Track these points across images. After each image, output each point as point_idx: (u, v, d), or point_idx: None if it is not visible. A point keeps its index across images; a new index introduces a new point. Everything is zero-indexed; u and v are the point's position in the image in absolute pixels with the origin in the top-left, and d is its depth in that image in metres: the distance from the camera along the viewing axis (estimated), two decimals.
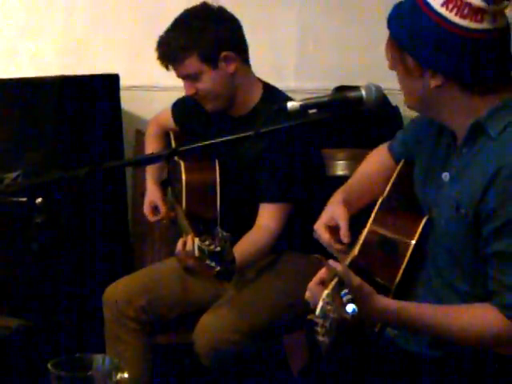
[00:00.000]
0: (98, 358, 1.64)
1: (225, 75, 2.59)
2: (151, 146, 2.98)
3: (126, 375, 1.63)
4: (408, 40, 1.78)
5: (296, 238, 2.64)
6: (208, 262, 2.18)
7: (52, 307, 3.15)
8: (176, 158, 2.72)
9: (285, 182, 2.58)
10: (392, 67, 1.86)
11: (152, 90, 3.60)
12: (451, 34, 1.74)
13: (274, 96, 2.67)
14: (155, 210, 2.86)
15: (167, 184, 2.87)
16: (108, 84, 3.40)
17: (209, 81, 2.58)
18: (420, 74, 1.80)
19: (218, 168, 2.66)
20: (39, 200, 1.73)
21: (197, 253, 2.24)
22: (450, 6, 1.74)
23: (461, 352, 1.86)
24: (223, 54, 2.57)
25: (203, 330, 2.46)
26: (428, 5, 1.76)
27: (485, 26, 1.73)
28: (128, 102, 3.50)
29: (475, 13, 1.73)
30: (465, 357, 1.86)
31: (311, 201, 2.62)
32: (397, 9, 1.83)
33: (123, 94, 3.44)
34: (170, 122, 2.95)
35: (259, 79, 2.71)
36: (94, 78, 3.41)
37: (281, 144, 2.54)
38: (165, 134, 2.99)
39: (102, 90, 3.40)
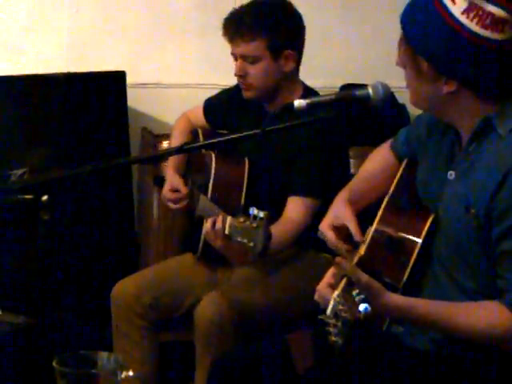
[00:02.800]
0: (104, 356, 1.65)
1: (278, 71, 2.61)
2: (177, 141, 2.96)
3: (130, 373, 1.63)
4: (425, 45, 1.75)
5: (313, 236, 2.64)
6: (240, 239, 2.15)
7: (58, 304, 3.15)
8: (204, 150, 2.72)
9: (316, 177, 2.59)
10: (401, 65, 1.84)
11: (158, 88, 3.60)
12: (471, 44, 1.71)
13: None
14: (175, 190, 2.83)
15: (189, 176, 2.85)
16: (114, 81, 3.40)
17: (263, 69, 2.60)
18: (433, 78, 1.78)
19: (247, 166, 2.66)
20: (45, 197, 1.73)
21: (227, 230, 2.23)
22: (471, 15, 1.70)
23: (466, 350, 1.86)
24: (288, 51, 2.60)
25: (206, 304, 2.47)
26: (447, 10, 1.72)
27: (505, 36, 1.71)
28: (134, 99, 3.50)
29: (497, 23, 1.70)
30: (470, 355, 1.86)
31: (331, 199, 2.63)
32: (411, 8, 1.80)
33: (129, 92, 3.44)
34: (200, 119, 2.94)
35: (302, 82, 2.73)
36: (100, 75, 3.40)
37: (316, 140, 2.55)
38: (192, 131, 2.97)
39: (108, 87, 3.40)
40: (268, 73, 2.60)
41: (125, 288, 2.69)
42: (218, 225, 2.31)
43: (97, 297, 2.76)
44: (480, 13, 1.70)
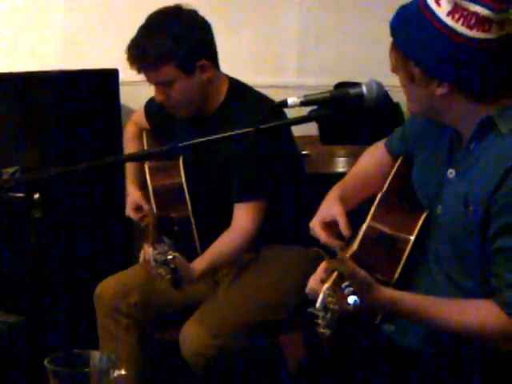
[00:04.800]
0: (95, 355, 1.64)
1: (198, 83, 2.55)
2: (129, 147, 2.98)
3: (122, 372, 1.62)
4: (413, 50, 1.77)
5: (275, 231, 2.64)
6: (160, 271, 2.24)
7: (50, 303, 3.14)
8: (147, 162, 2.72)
9: (256, 179, 2.55)
10: (395, 71, 1.85)
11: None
12: (458, 45, 1.72)
13: (239, 92, 2.64)
14: (139, 209, 2.85)
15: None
16: (107, 79, 3.40)
17: (182, 88, 2.53)
18: (425, 82, 1.78)
19: (181, 166, 2.63)
20: (37, 196, 1.72)
21: (152, 262, 2.27)
22: (457, 16, 1.71)
23: (456, 349, 1.86)
24: (200, 62, 2.53)
25: (186, 337, 2.45)
26: (433, 14, 1.73)
27: (492, 34, 1.71)
28: (127, 97, 3.49)
29: (482, 22, 1.70)
30: (460, 353, 1.86)
31: (288, 193, 2.63)
32: (400, 15, 1.81)
33: (122, 89, 3.43)
34: (143, 120, 2.93)
35: (226, 76, 2.67)
36: (92, 72, 3.40)
37: (250, 142, 2.50)
38: (141, 134, 2.97)
39: (100, 84, 3.40)
40: (188, 90, 2.54)
41: (108, 287, 2.68)
42: (147, 256, 2.34)
43: (90, 296, 2.75)
44: (465, 13, 1.71)
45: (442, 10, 1.72)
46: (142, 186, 2.86)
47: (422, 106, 1.87)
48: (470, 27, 1.71)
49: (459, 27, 1.71)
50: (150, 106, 2.86)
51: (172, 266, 2.23)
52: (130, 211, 2.86)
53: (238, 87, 2.65)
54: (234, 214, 2.56)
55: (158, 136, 2.87)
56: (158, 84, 2.56)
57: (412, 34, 1.77)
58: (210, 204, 2.67)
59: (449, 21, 1.72)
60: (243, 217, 2.55)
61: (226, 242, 2.54)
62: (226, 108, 2.61)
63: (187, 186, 2.62)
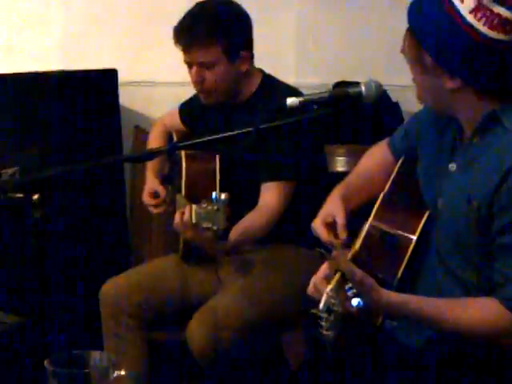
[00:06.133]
0: (95, 355, 1.64)
1: (235, 72, 2.62)
2: (152, 145, 2.99)
3: (122, 372, 1.62)
4: (430, 41, 1.75)
5: (292, 230, 2.65)
6: (205, 224, 2.18)
7: (49, 303, 3.14)
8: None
9: (285, 160, 2.58)
10: (404, 54, 1.84)
11: (150, 86, 3.59)
12: (477, 44, 1.71)
13: (271, 86, 2.69)
14: (155, 194, 2.85)
15: (168, 180, 2.87)
16: (106, 79, 3.40)
17: (220, 74, 2.59)
18: (437, 74, 1.78)
19: (218, 160, 2.65)
20: (36, 196, 1.72)
21: (194, 219, 2.25)
22: (479, 15, 1.70)
23: (460, 347, 1.86)
24: (242, 52, 2.61)
25: (196, 327, 2.46)
26: (455, 9, 1.72)
27: (511, 37, 1.71)
28: (126, 97, 3.49)
29: (504, 24, 1.70)
30: (465, 351, 1.86)
31: (310, 193, 2.63)
32: (419, 2, 1.79)
33: (121, 90, 3.43)
34: (175, 122, 2.96)
35: (260, 70, 2.73)
36: (92, 73, 3.40)
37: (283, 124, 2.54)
38: (168, 135, 3.00)
39: (100, 85, 3.39)
40: (225, 76, 2.60)
41: (113, 287, 2.68)
42: (186, 215, 2.32)
43: (89, 296, 2.75)
44: (488, 13, 1.70)
45: (465, 7, 1.71)
46: (161, 177, 2.88)
47: (429, 96, 1.86)
48: (492, 28, 1.70)
49: (480, 26, 1.70)
50: (185, 109, 2.92)
51: (225, 215, 2.16)
52: (145, 196, 2.86)
53: (270, 81, 2.72)
54: (262, 192, 2.59)
55: (189, 134, 2.91)
56: (199, 64, 2.59)
57: (430, 24, 1.75)
58: (238, 192, 2.67)
59: (471, 18, 1.71)
60: (270, 195, 2.57)
61: (253, 219, 2.56)
62: (256, 97, 2.67)
63: (220, 175, 2.64)
